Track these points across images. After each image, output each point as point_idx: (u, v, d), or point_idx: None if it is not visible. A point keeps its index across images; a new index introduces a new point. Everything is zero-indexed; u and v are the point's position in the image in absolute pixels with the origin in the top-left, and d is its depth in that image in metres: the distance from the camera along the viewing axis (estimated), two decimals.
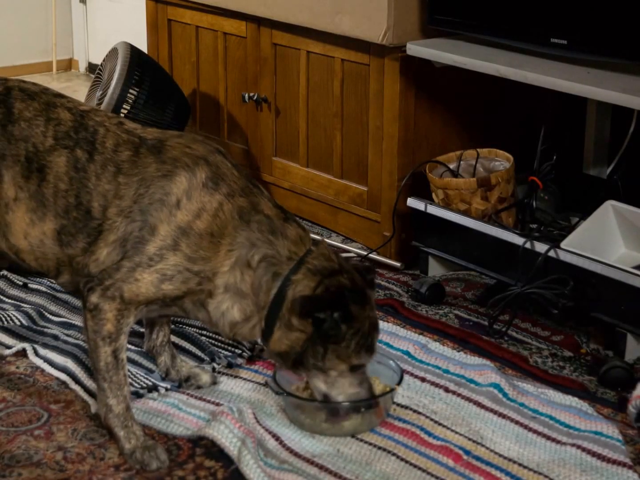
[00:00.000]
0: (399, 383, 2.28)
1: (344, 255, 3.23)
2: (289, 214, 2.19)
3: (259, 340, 2.23)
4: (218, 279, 2.10)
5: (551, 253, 2.67)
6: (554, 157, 2.98)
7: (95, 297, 2.09)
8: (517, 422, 2.27)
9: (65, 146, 2.16)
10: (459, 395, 2.37)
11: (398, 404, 2.33)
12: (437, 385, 2.42)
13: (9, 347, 2.57)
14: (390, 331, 2.68)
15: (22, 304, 2.83)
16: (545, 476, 2.08)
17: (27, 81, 2.30)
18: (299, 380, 2.32)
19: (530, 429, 2.24)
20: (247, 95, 3.62)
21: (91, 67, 5.88)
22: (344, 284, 2.11)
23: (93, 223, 2.13)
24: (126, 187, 2.12)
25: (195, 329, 2.67)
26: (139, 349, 2.54)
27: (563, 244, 2.67)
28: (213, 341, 2.61)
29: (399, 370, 2.32)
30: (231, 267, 2.10)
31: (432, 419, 2.28)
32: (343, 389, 2.16)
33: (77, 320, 2.71)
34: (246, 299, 2.11)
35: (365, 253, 3.22)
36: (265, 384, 2.40)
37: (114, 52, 3.65)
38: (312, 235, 2.21)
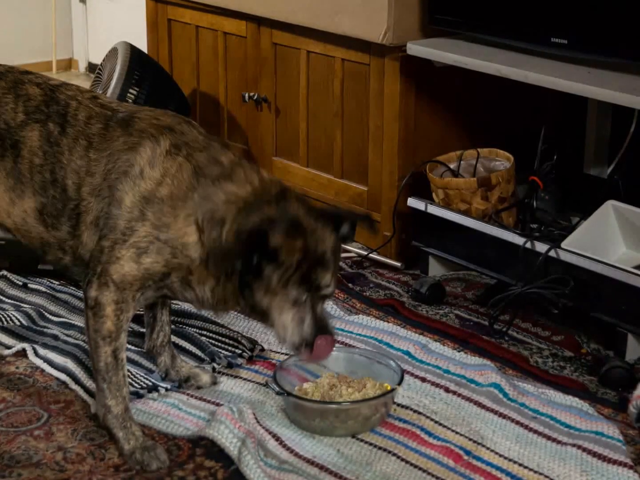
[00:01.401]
0: (400, 383, 2.28)
1: (343, 254, 3.23)
2: (252, 163, 2.11)
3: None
4: (190, 251, 2.04)
5: (552, 253, 2.67)
6: (555, 157, 2.97)
7: (94, 290, 2.08)
8: (517, 422, 2.26)
9: (37, 120, 2.15)
10: (459, 395, 2.37)
11: (398, 404, 2.33)
12: (437, 385, 2.41)
13: (8, 347, 2.57)
14: (390, 331, 2.67)
15: (22, 304, 2.82)
16: (546, 476, 2.08)
17: None
18: (300, 382, 2.32)
19: (530, 429, 2.24)
20: (247, 95, 3.62)
21: (91, 67, 5.87)
22: (268, 216, 1.97)
23: (70, 204, 2.11)
24: (96, 163, 2.10)
25: (195, 329, 2.66)
26: (139, 349, 2.54)
27: (563, 244, 2.67)
28: (213, 341, 2.61)
29: (399, 370, 2.32)
30: (199, 237, 2.04)
31: (432, 419, 2.28)
32: (283, 325, 2.04)
33: (77, 320, 2.71)
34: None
35: (365, 253, 3.21)
36: (266, 384, 2.40)
37: (113, 52, 3.65)
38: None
